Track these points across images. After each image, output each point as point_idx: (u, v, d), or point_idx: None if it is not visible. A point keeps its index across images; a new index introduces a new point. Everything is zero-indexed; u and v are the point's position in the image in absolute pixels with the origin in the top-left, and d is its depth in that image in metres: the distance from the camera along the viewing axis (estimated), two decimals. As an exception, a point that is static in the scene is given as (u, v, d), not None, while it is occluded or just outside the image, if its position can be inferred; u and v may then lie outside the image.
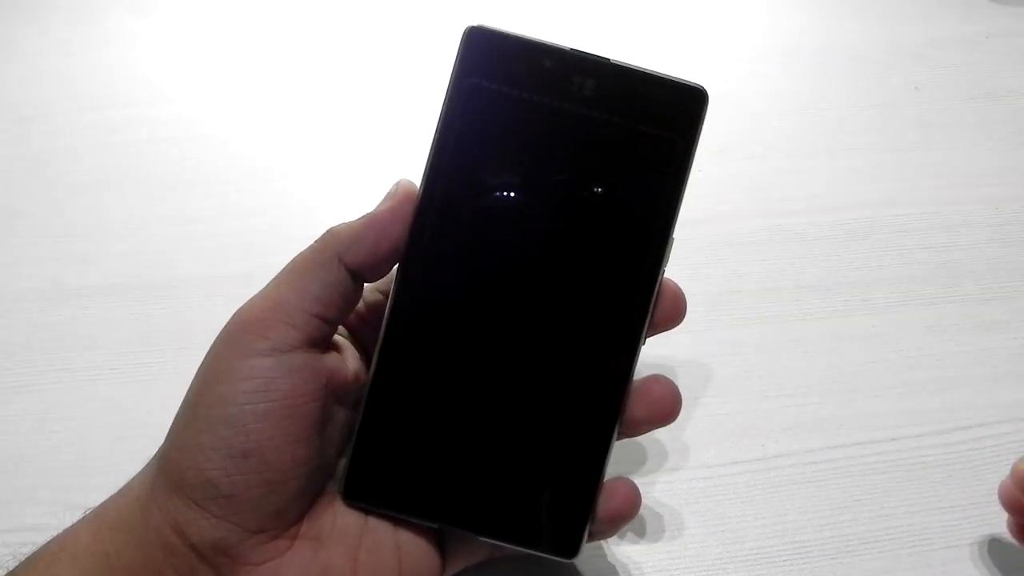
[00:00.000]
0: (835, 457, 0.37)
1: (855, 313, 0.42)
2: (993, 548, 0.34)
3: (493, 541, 0.29)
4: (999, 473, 0.32)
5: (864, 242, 0.45)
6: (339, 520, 0.29)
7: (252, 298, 0.28)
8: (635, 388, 0.29)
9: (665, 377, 0.30)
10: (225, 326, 0.27)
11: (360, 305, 0.31)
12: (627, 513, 0.29)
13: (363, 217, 0.28)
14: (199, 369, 0.27)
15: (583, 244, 0.29)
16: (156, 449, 0.28)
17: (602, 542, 0.34)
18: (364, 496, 0.29)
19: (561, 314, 0.29)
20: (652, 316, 0.29)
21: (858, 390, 0.39)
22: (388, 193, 0.29)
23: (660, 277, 0.29)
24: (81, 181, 0.48)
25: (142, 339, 0.41)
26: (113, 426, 0.38)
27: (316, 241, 0.28)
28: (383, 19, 0.59)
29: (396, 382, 0.29)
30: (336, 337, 0.30)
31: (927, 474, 0.36)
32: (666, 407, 0.30)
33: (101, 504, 0.27)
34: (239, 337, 0.27)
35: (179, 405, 0.27)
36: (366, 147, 0.50)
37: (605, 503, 0.29)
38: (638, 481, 0.31)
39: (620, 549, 0.34)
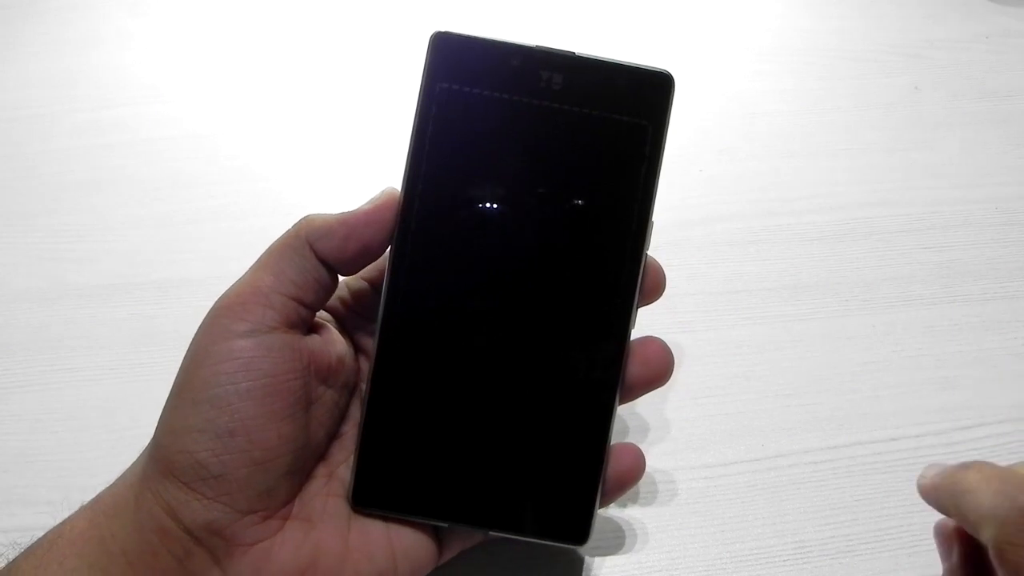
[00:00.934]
0: (835, 457, 0.37)
1: (855, 313, 0.42)
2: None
3: (504, 535, 0.29)
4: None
5: (864, 242, 0.45)
6: (330, 501, 0.29)
7: (232, 284, 0.28)
8: (631, 348, 0.30)
9: (655, 337, 0.31)
10: (208, 312, 0.28)
11: (345, 292, 0.31)
12: (633, 475, 0.30)
13: (340, 213, 0.29)
14: (184, 356, 0.28)
15: (568, 233, 0.29)
16: (155, 448, 0.28)
17: (602, 542, 0.34)
18: (373, 502, 0.29)
19: (552, 303, 0.29)
20: (640, 294, 0.30)
21: (858, 390, 0.39)
22: (371, 198, 0.29)
23: (644, 256, 0.29)
24: (81, 181, 0.48)
25: (142, 339, 0.41)
26: (113, 426, 0.38)
27: (291, 227, 0.29)
28: (382, 18, 0.59)
29: (394, 385, 0.29)
30: (319, 320, 0.30)
31: (927, 474, 0.36)
32: (660, 366, 0.30)
33: (97, 494, 0.28)
34: (219, 321, 0.27)
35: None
36: (366, 147, 0.50)
37: (611, 466, 0.30)
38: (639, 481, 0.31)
39: (620, 548, 0.34)
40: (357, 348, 0.31)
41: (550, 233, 0.29)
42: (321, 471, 0.30)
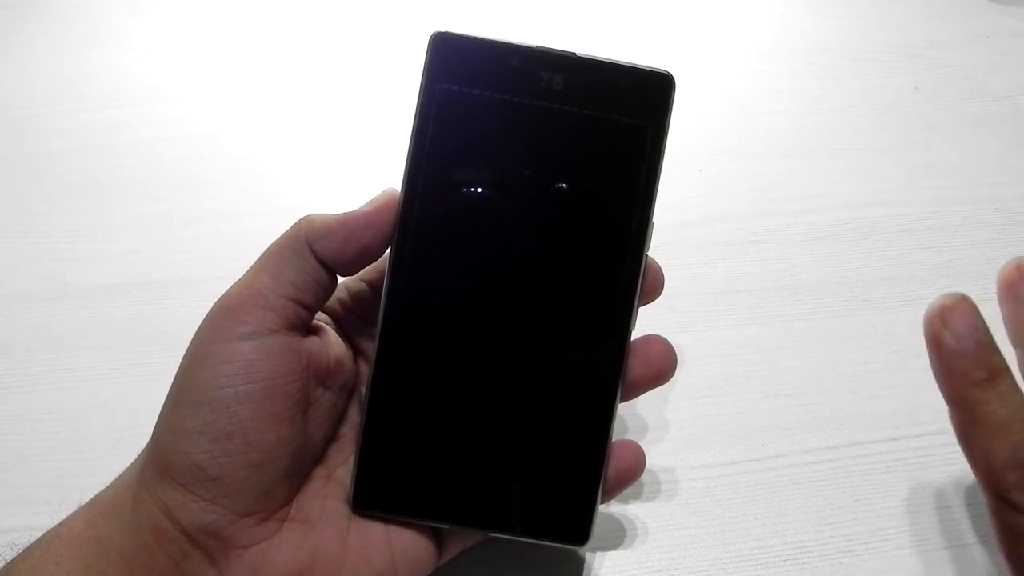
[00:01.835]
0: (835, 457, 0.37)
1: (855, 313, 0.42)
2: (993, 548, 0.34)
3: (505, 536, 0.29)
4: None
5: (864, 242, 0.45)
6: (328, 503, 0.29)
7: (232, 285, 0.28)
8: (632, 348, 0.30)
9: (658, 335, 0.31)
10: (207, 313, 0.28)
11: (344, 294, 0.31)
12: (633, 473, 0.30)
13: (340, 214, 0.29)
14: (183, 356, 0.28)
15: (569, 233, 0.29)
16: (155, 448, 0.28)
17: (602, 542, 0.34)
18: (373, 504, 0.29)
19: (552, 303, 0.29)
20: (640, 294, 0.29)
21: (858, 390, 0.39)
22: (371, 199, 0.29)
23: (644, 257, 0.29)
24: (80, 181, 0.48)
25: (142, 339, 0.41)
26: (113, 426, 0.38)
27: (291, 227, 0.29)
28: (382, 18, 0.59)
29: (395, 386, 0.29)
30: (318, 323, 0.30)
31: (927, 474, 0.36)
32: (663, 365, 0.30)
33: (95, 495, 0.28)
34: (219, 323, 0.27)
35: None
36: (366, 148, 0.50)
37: (611, 464, 0.30)
38: (638, 481, 0.31)
39: (620, 548, 0.34)
40: (356, 350, 0.31)
41: (550, 234, 0.29)
42: (319, 473, 0.30)
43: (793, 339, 0.41)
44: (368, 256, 0.29)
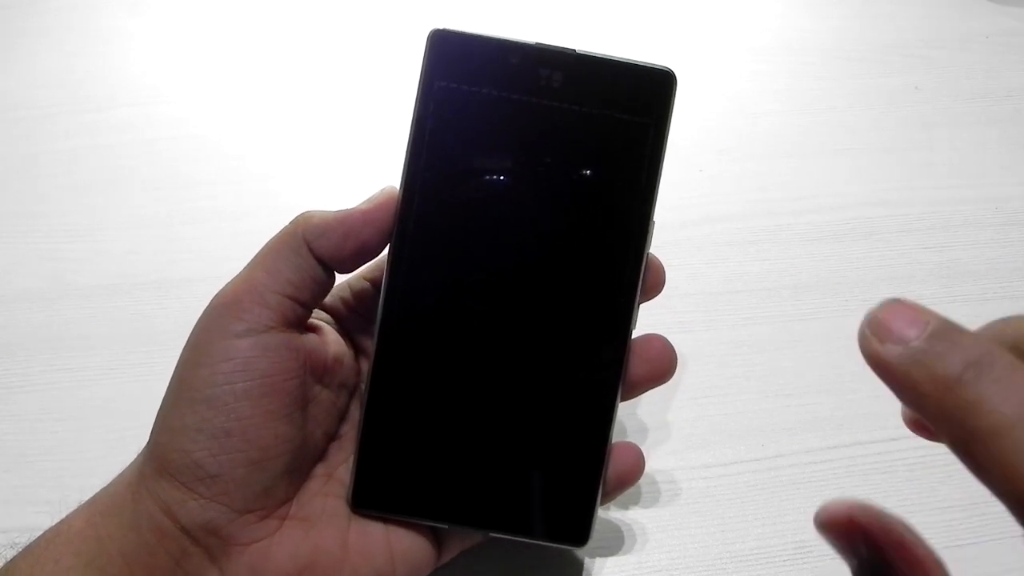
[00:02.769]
0: (835, 457, 0.37)
1: (855, 313, 0.42)
2: (993, 548, 0.34)
3: (504, 536, 0.29)
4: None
5: (864, 242, 0.45)
6: (329, 501, 0.29)
7: (229, 281, 0.28)
8: (632, 347, 0.30)
9: (658, 334, 0.30)
10: (204, 309, 0.28)
11: (347, 292, 0.31)
12: (633, 475, 0.30)
13: (338, 211, 0.28)
14: (181, 354, 0.28)
15: (570, 231, 0.29)
16: (155, 448, 0.28)
17: (602, 542, 0.34)
18: (372, 504, 0.29)
19: (552, 302, 0.29)
20: (641, 291, 0.29)
21: (858, 390, 0.39)
22: (370, 196, 0.29)
23: (646, 255, 0.29)
24: (80, 181, 0.48)
25: (142, 339, 0.41)
26: (113, 426, 0.38)
27: (289, 223, 0.29)
28: (381, 17, 0.59)
29: (394, 386, 0.29)
30: (316, 321, 0.30)
31: (927, 474, 0.36)
32: (663, 364, 0.30)
33: (95, 493, 0.28)
34: (216, 320, 0.27)
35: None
36: (365, 146, 0.50)
37: (611, 466, 0.30)
38: (638, 481, 0.31)
39: (620, 548, 0.34)
40: (358, 349, 0.31)
41: (550, 231, 0.29)
42: (320, 471, 0.30)
43: (793, 339, 0.41)
44: (366, 254, 0.29)
